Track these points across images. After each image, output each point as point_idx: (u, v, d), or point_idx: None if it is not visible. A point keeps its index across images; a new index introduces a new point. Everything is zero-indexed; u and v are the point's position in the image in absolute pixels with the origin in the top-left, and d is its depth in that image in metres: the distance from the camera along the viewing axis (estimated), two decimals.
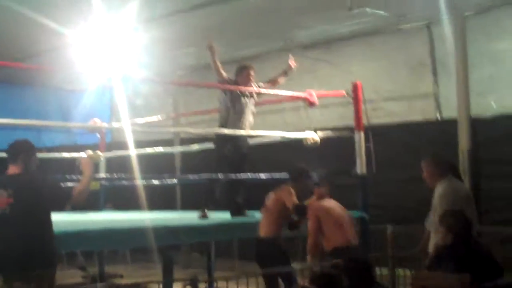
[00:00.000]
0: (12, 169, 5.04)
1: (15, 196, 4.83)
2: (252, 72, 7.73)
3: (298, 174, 7.15)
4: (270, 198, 7.08)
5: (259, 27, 10.72)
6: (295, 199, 6.87)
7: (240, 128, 7.56)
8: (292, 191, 6.94)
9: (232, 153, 7.64)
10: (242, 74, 7.72)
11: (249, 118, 7.76)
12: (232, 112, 7.61)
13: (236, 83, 7.64)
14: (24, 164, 5.03)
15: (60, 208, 5.22)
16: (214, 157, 7.80)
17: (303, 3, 9.51)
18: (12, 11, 8.77)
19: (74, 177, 5.92)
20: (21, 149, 5.11)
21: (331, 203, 6.89)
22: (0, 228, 4.82)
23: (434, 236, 5.65)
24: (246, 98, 7.72)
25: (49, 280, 4.88)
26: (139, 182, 7.68)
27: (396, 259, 6.63)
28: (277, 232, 6.92)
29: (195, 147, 9.48)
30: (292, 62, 8.03)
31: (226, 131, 7.42)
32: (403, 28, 10.54)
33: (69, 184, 5.59)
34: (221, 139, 7.64)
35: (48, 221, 4.96)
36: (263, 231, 6.91)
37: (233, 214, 7.70)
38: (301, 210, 6.84)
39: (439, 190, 5.77)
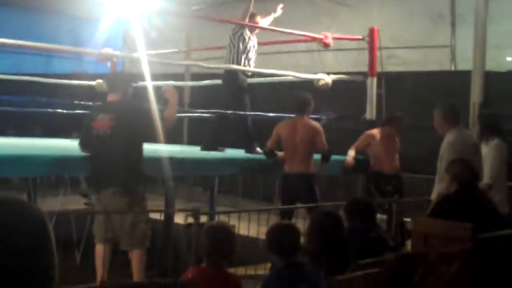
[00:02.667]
0: (111, 97, 5.56)
1: (116, 120, 5.29)
2: (257, 19, 7.85)
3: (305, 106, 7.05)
4: None
5: None
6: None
7: (247, 66, 7.68)
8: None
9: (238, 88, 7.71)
10: (249, 20, 7.79)
11: (253, 57, 7.80)
12: (240, 50, 7.63)
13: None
14: (122, 93, 5.50)
15: (153, 134, 5.40)
16: (225, 92, 7.80)
17: None
18: None
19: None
20: (120, 79, 5.68)
21: None
22: (102, 147, 5.32)
23: (439, 184, 5.61)
24: (251, 39, 7.77)
25: (141, 194, 5.44)
26: None
27: (399, 205, 6.62)
28: None
29: (205, 82, 9.45)
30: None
31: (234, 66, 7.44)
32: None
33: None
34: (232, 75, 7.64)
35: (141, 144, 5.47)
36: None
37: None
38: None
39: (448, 138, 5.71)
